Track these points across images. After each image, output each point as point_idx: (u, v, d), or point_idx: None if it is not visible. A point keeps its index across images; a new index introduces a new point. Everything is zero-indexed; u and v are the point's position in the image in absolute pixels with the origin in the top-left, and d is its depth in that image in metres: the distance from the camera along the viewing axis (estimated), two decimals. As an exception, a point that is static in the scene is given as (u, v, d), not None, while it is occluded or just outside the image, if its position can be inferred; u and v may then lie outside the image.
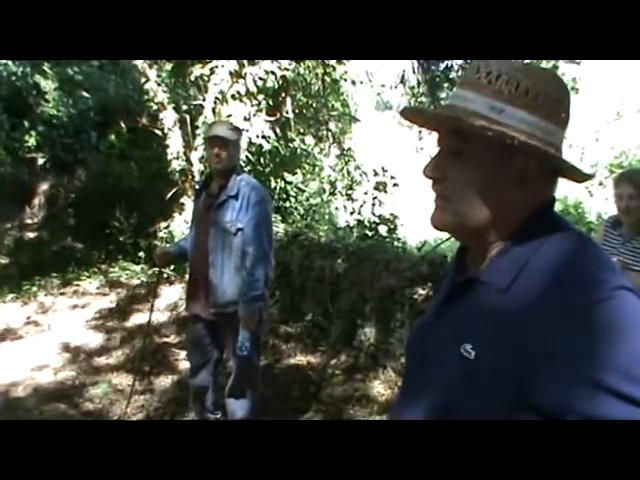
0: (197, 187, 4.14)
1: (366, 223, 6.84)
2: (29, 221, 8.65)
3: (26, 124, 9.02)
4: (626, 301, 0.93)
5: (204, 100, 6.79)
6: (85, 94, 9.22)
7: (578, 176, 1.10)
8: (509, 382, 0.95)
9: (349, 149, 8.98)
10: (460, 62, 7.74)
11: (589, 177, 1.13)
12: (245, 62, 6.47)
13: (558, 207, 1.11)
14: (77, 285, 7.15)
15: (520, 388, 0.94)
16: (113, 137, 8.75)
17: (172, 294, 6.82)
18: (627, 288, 0.95)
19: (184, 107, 7.18)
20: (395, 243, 6.69)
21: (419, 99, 8.74)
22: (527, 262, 1.02)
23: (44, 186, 8.90)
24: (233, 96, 6.66)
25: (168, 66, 7.28)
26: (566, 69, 10.17)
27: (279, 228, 6.90)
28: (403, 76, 8.63)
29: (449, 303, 1.15)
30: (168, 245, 4.47)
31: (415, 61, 8.19)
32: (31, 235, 8.42)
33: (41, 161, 8.96)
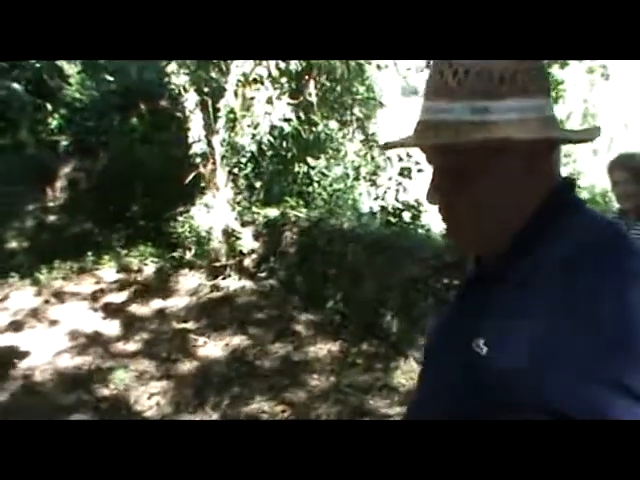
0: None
1: (390, 209, 6.73)
2: (50, 204, 8.64)
3: (49, 107, 9.03)
4: None
5: (226, 83, 6.69)
6: (108, 77, 9.19)
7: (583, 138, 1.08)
8: (520, 380, 0.88)
9: (374, 134, 8.83)
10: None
11: (589, 138, 1.06)
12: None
13: (585, 196, 1.03)
14: (97, 269, 7.14)
15: (532, 387, 0.87)
16: (135, 120, 8.72)
17: (192, 279, 6.78)
18: None
19: (206, 90, 7.08)
20: (419, 230, 6.59)
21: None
22: (543, 253, 0.94)
23: (66, 169, 8.89)
24: (255, 79, 6.56)
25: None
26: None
27: (301, 213, 6.80)
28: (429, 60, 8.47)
29: (465, 298, 1.10)
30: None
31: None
32: (52, 218, 8.42)
33: (64, 144, 8.96)
